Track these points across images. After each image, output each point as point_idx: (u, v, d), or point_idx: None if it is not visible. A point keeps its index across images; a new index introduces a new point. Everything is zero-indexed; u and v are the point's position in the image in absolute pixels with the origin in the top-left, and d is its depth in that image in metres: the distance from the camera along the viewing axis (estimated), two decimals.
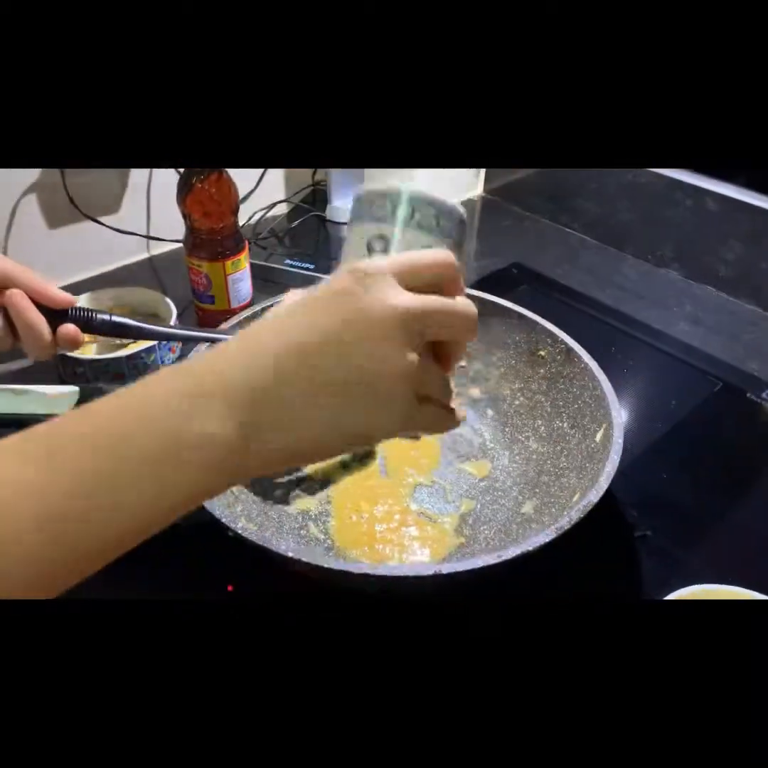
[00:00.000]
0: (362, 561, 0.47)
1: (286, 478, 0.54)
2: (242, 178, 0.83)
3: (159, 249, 0.85)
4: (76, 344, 0.43)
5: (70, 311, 0.44)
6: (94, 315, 0.44)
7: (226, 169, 0.64)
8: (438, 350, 0.30)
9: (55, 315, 0.43)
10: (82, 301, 0.67)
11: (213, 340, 0.53)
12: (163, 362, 0.64)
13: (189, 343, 0.66)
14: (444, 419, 0.31)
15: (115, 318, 0.45)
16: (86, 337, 0.45)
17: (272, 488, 0.53)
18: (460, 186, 1.02)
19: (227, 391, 0.25)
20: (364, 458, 0.56)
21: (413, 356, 0.27)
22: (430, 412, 0.30)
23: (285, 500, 0.52)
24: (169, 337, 0.51)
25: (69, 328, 0.43)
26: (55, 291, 0.43)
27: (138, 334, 0.47)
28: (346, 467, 0.55)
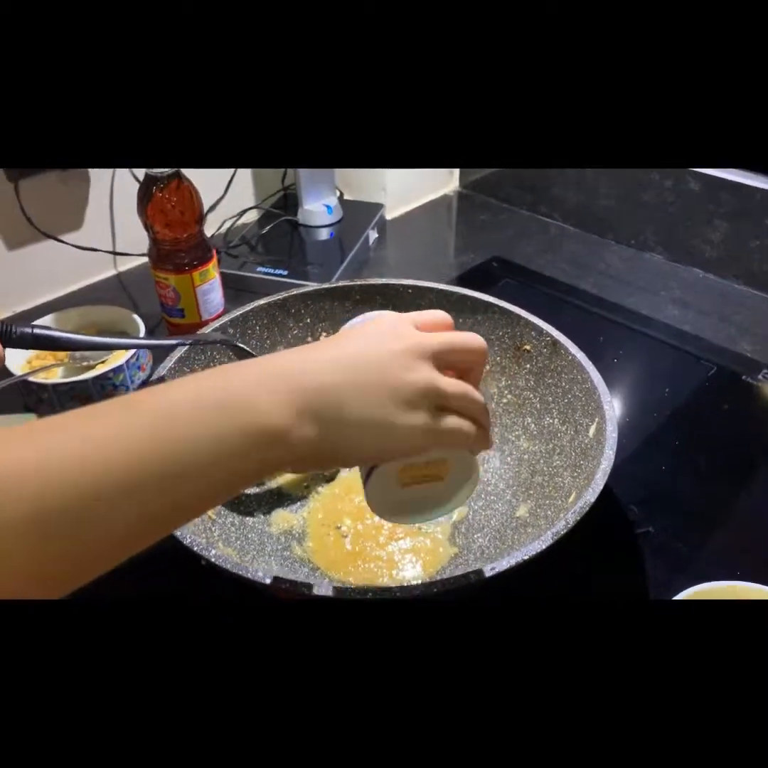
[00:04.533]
0: (349, 580, 0.45)
1: (265, 495, 0.51)
2: (210, 185, 0.81)
3: (127, 264, 0.82)
4: None
5: None
6: (12, 328, 0.41)
7: (187, 177, 0.61)
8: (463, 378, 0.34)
9: None
10: (46, 322, 0.64)
11: (153, 348, 0.50)
12: (132, 382, 0.61)
13: (159, 359, 0.63)
14: (467, 430, 0.32)
15: (38, 330, 0.42)
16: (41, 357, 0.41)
17: (252, 509, 0.50)
18: (434, 182, 1.00)
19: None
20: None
21: (435, 373, 0.31)
22: (452, 421, 0.31)
23: (266, 520, 0.49)
24: (103, 347, 0.48)
25: None
26: None
27: (67, 346, 0.43)
28: (329, 480, 0.53)
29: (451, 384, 0.31)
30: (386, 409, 0.29)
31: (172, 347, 0.49)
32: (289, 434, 0.27)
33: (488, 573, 0.35)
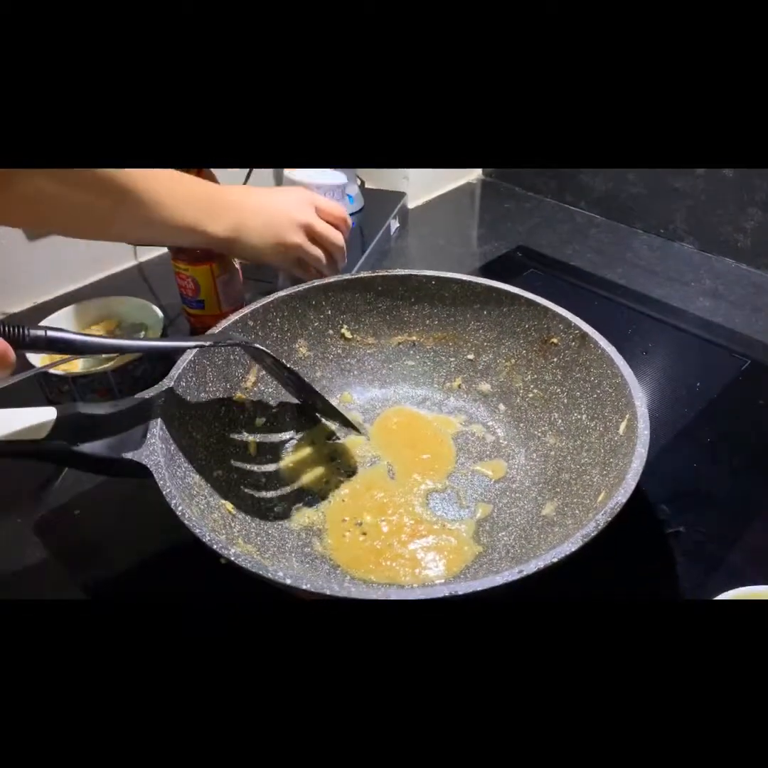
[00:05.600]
0: (370, 578, 0.44)
1: (285, 491, 0.50)
2: (231, 174, 0.80)
3: (147, 255, 0.81)
4: (5, 363, 0.37)
5: None
6: (24, 330, 0.39)
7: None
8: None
9: None
10: (66, 314, 0.64)
11: (171, 350, 0.48)
12: (154, 372, 0.60)
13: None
14: (322, 256, 0.60)
15: (51, 333, 0.39)
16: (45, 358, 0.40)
17: (273, 505, 0.49)
18: (458, 170, 0.98)
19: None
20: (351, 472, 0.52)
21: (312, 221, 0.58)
22: (314, 249, 0.59)
23: (287, 516, 0.49)
24: (120, 350, 0.45)
25: None
26: None
27: (83, 349, 0.41)
28: (350, 475, 0.52)
29: (321, 224, 0.58)
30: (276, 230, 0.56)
31: (191, 347, 0.48)
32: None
33: (514, 577, 0.34)
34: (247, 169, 0.82)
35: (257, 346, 0.46)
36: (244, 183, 0.83)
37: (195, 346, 0.47)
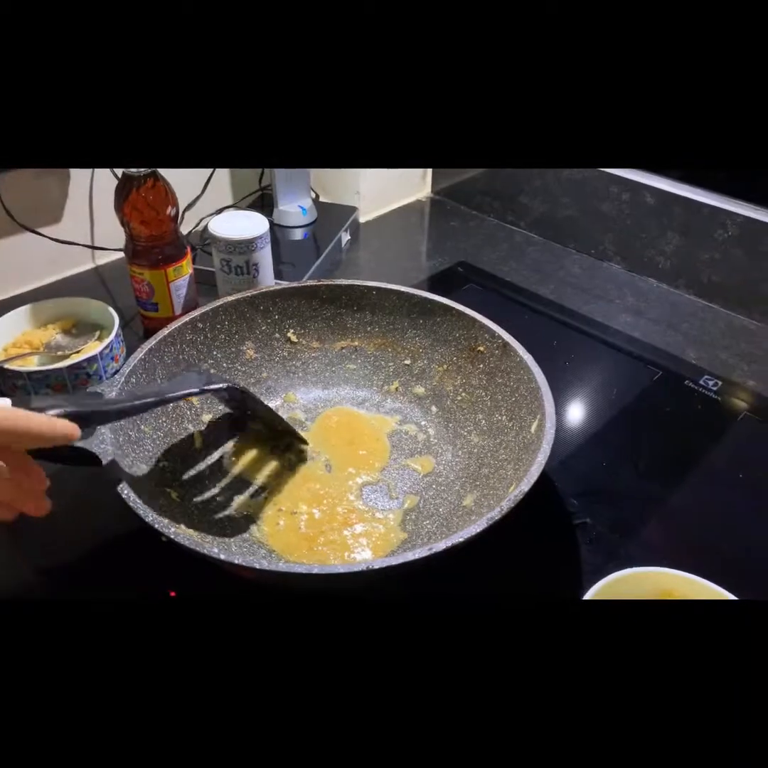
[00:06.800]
0: (302, 562, 0.48)
1: (228, 481, 0.54)
2: (188, 184, 0.83)
3: (105, 258, 0.84)
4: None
5: None
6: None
7: (163, 177, 0.64)
8: None
9: None
10: (22, 312, 0.66)
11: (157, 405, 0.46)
12: (106, 371, 0.63)
13: (132, 350, 0.65)
14: None
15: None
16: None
17: (215, 495, 0.53)
18: (407, 188, 1.03)
19: None
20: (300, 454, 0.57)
21: None
22: None
23: (228, 505, 0.52)
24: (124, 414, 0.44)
25: None
26: None
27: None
28: (290, 468, 0.56)
29: None
30: None
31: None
32: None
33: (425, 553, 0.38)
34: (210, 170, 0.86)
35: (237, 386, 0.50)
36: (205, 187, 0.86)
37: (178, 398, 0.47)
